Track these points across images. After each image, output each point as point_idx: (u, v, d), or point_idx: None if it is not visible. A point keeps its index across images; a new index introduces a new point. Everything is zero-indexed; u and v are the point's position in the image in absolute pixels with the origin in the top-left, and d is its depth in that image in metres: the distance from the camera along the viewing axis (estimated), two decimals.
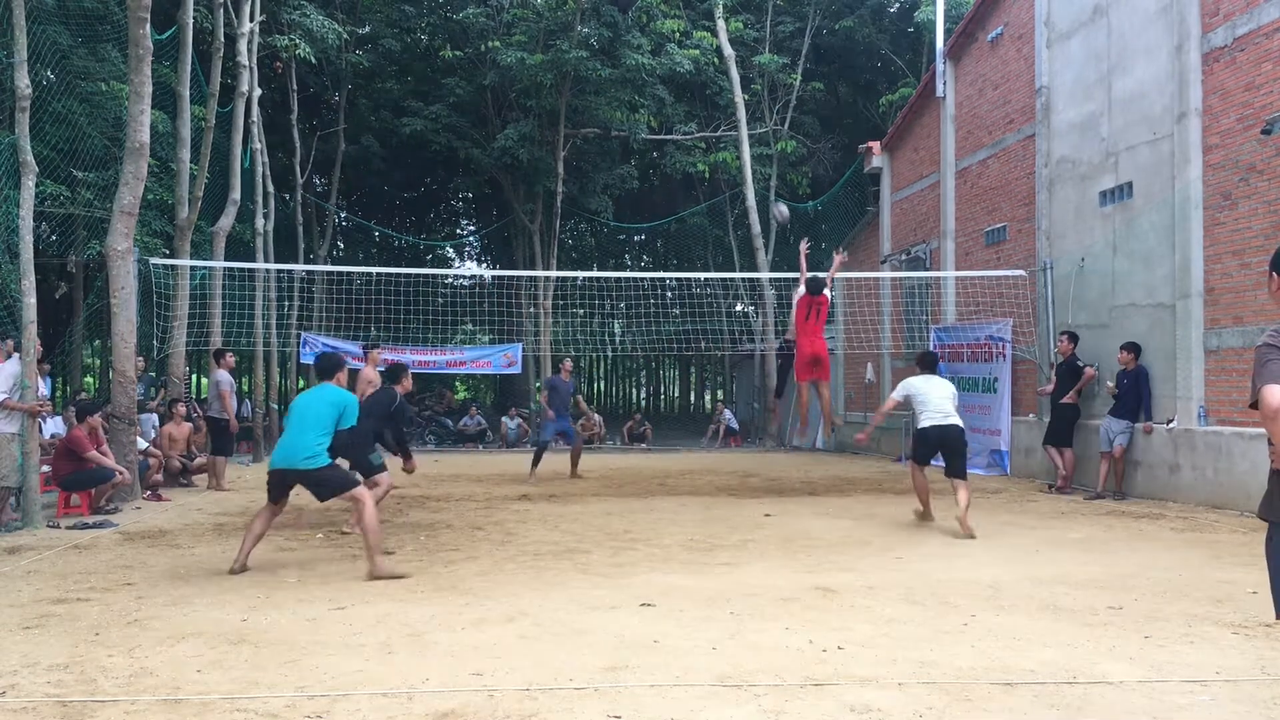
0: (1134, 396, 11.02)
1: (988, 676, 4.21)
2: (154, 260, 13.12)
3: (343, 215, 28.71)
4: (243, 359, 19.19)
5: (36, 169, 9.22)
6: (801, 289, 10.65)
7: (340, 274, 22.12)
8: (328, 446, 6.61)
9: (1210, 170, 10.36)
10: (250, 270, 16.93)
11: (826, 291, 10.59)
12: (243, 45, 16.34)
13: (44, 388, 10.75)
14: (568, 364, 14.52)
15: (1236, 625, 5.04)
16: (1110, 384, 11.35)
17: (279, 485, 6.78)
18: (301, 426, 6.63)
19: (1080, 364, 11.83)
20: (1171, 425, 10.61)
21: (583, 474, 13.88)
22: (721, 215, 27.15)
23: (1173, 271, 10.81)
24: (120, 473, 9.90)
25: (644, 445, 22.14)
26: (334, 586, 6.10)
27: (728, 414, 23.79)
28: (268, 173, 19.04)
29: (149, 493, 11.05)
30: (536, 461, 13.39)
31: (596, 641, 4.76)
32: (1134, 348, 11.11)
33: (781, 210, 14.02)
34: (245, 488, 12.50)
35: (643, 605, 5.55)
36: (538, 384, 22.65)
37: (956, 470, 8.71)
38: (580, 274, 26.33)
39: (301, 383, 26.90)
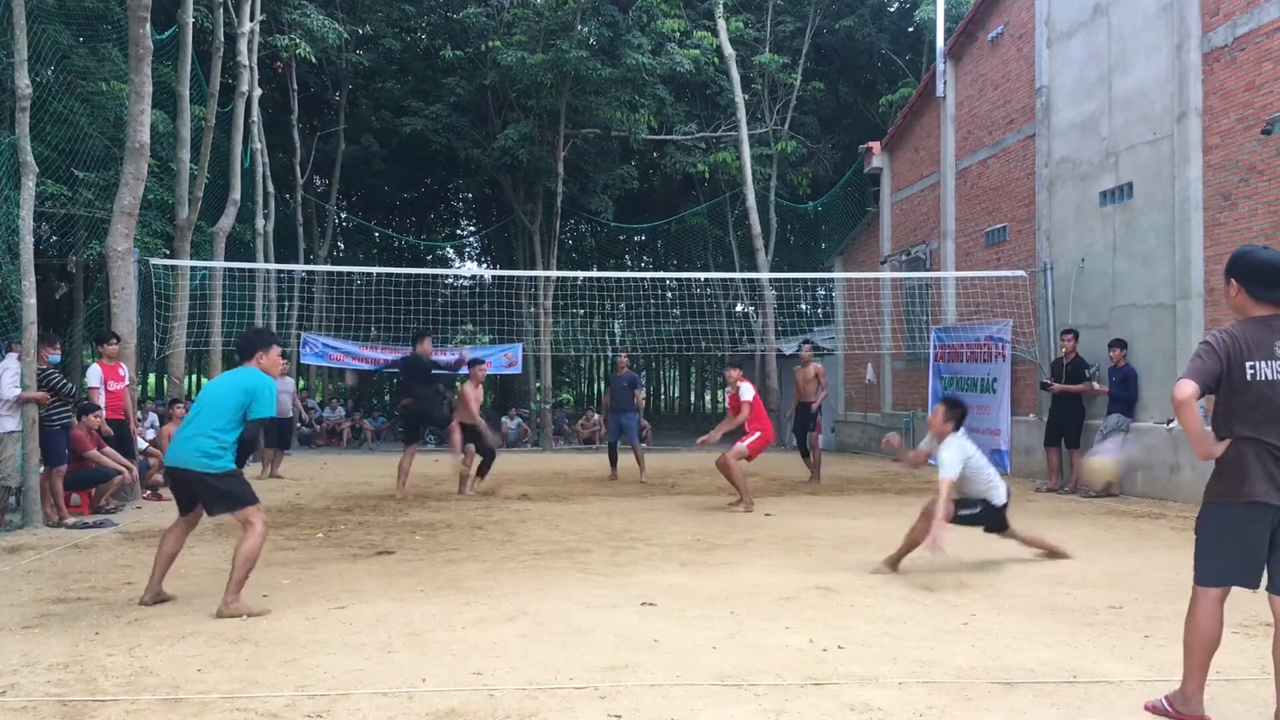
0: (1125, 392, 11.13)
1: (988, 676, 4.21)
2: (154, 260, 13.12)
3: (343, 215, 28.71)
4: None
5: (37, 169, 9.21)
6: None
7: (340, 274, 22.13)
8: (233, 443, 5.54)
9: (1210, 170, 10.36)
10: (250, 270, 16.94)
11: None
12: (243, 45, 16.34)
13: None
14: (622, 359, 14.31)
15: (1237, 625, 5.03)
16: (1096, 385, 11.55)
17: (179, 490, 5.73)
18: (198, 417, 5.56)
19: (1087, 369, 11.83)
20: (1172, 425, 10.61)
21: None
22: (721, 215, 27.14)
23: (1173, 272, 10.81)
24: (122, 472, 9.91)
25: (644, 445, 22.12)
26: (334, 586, 6.10)
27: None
28: (268, 173, 19.06)
29: (149, 493, 11.05)
30: (613, 461, 13.73)
31: (596, 641, 4.76)
32: (1121, 344, 11.28)
33: None
34: None
35: (643, 605, 5.55)
36: (537, 384, 22.65)
37: None
38: (580, 274, 26.32)
39: (301, 383, 26.92)
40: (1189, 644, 3.68)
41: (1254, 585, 3.61)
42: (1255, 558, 3.55)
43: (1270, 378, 3.49)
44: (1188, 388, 3.49)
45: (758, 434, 10.01)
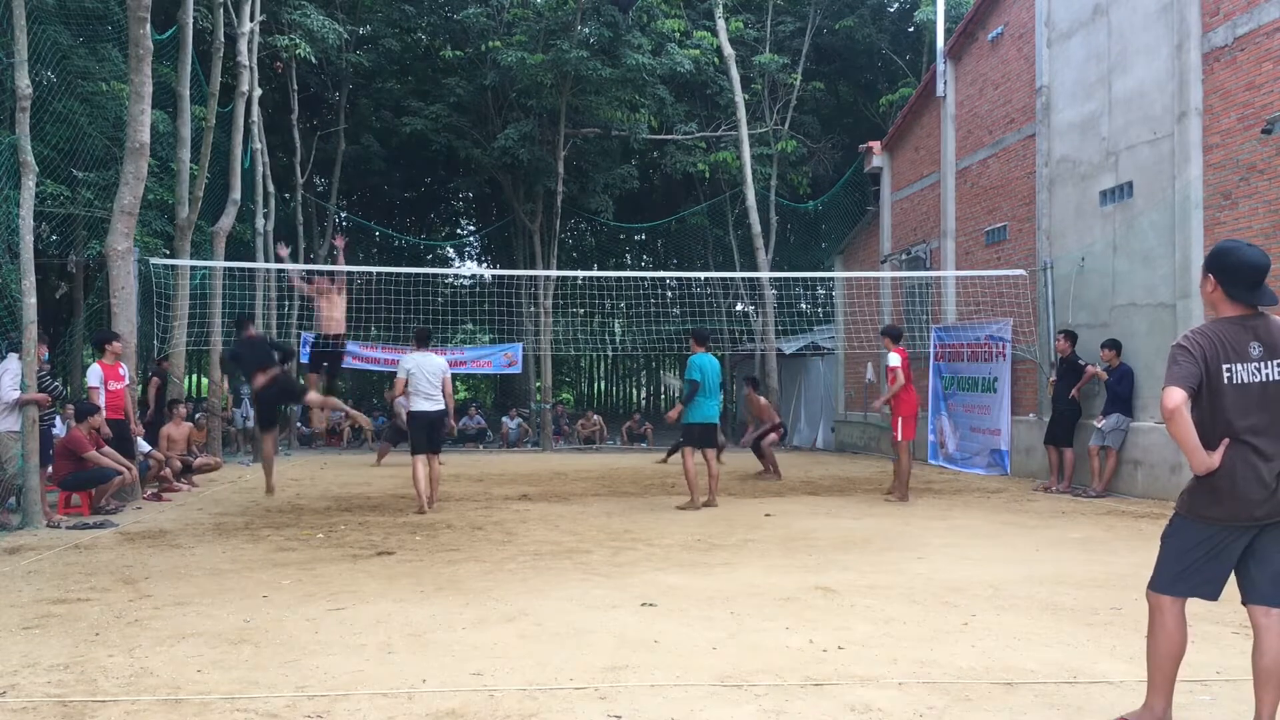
0: (1123, 393, 11.14)
1: (988, 676, 4.21)
2: (154, 260, 13.12)
3: (343, 215, 28.70)
4: None
5: (37, 169, 9.21)
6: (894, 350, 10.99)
7: (340, 273, 22.06)
8: None
9: (1210, 170, 10.36)
10: (250, 270, 16.93)
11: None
12: (243, 45, 16.34)
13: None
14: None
15: (1237, 625, 5.03)
16: (1095, 366, 11.55)
17: None
18: None
19: (1082, 362, 11.85)
20: None
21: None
22: (722, 215, 27.13)
23: (1173, 271, 10.81)
24: (122, 472, 9.90)
25: (644, 445, 22.14)
26: (334, 586, 6.11)
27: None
28: (268, 172, 19.05)
29: (149, 493, 11.06)
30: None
31: (596, 641, 4.76)
32: (1114, 344, 11.32)
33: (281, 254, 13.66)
34: (245, 488, 12.51)
35: (643, 605, 5.55)
36: (537, 384, 22.66)
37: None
38: (580, 274, 26.34)
39: (302, 382, 26.87)
40: (1158, 658, 3.50)
41: (1214, 597, 3.52)
42: (1223, 571, 3.48)
43: (1246, 380, 3.33)
44: (1176, 395, 3.28)
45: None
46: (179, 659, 4.45)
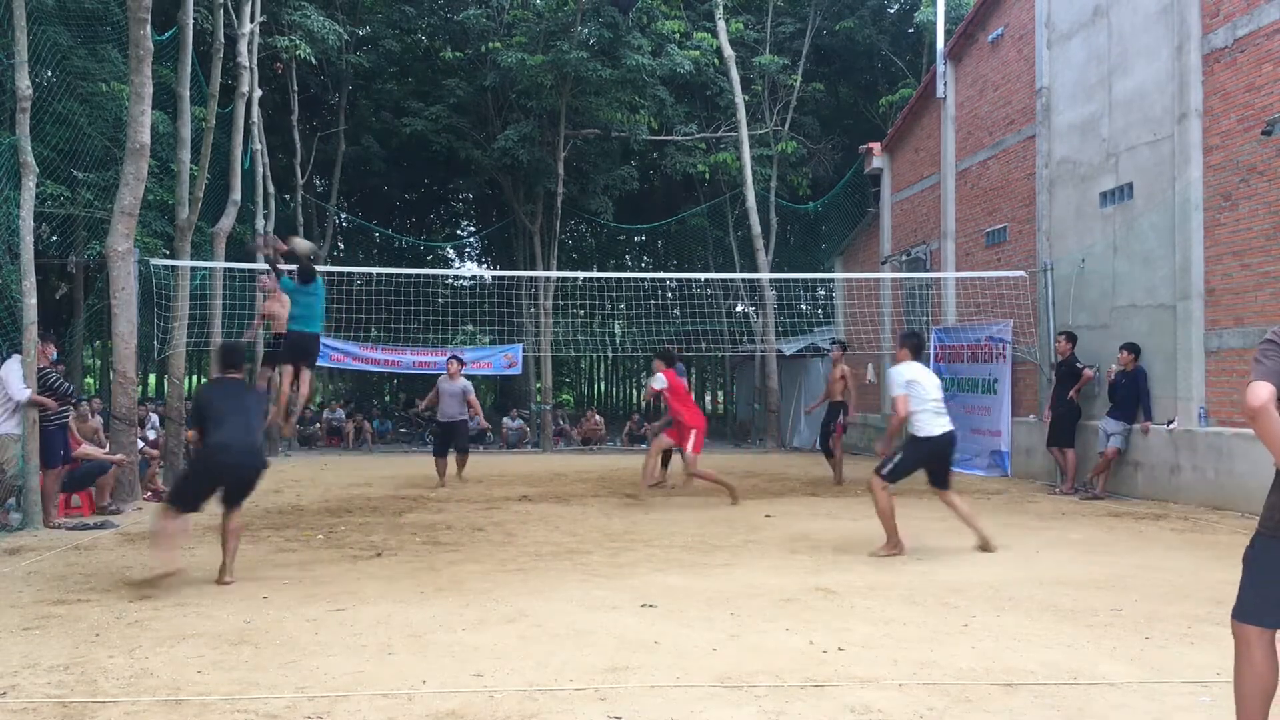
0: (1132, 397, 11.06)
1: (988, 677, 4.21)
2: (154, 261, 13.12)
3: (343, 216, 28.71)
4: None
5: (37, 169, 9.21)
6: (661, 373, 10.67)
7: (340, 274, 22.08)
8: None
9: (1210, 171, 10.36)
10: (250, 270, 16.92)
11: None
12: (243, 46, 16.33)
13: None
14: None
15: None
16: (1114, 365, 11.37)
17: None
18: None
19: (1079, 365, 11.84)
20: (1172, 426, 10.61)
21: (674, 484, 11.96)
22: (722, 216, 27.12)
23: (1173, 272, 10.81)
24: (116, 462, 9.88)
25: (644, 446, 22.11)
26: (334, 587, 6.10)
27: None
28: (268, 173, 19.05)
29: (150, 493, 11.05)
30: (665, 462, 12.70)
31: (597, 642, 4.76)
32: (1133, 348, 11.15)
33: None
34: None
35: (643, 606, 5.55)
36: (537, 385, 22.65)
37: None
38: (580, 274, 26.31)
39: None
40: (1245, 695, 3.10)
41: None
42: None
43: None
44: (1262, 391, 2.91)
45: (693, 431, 10.44)
46: (179, 660, 4.45)
